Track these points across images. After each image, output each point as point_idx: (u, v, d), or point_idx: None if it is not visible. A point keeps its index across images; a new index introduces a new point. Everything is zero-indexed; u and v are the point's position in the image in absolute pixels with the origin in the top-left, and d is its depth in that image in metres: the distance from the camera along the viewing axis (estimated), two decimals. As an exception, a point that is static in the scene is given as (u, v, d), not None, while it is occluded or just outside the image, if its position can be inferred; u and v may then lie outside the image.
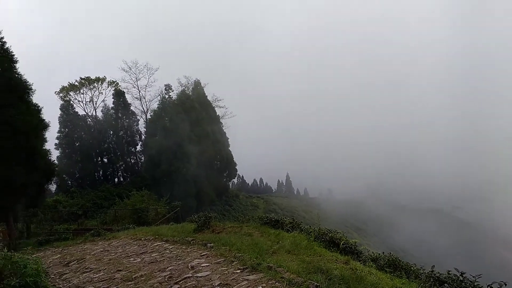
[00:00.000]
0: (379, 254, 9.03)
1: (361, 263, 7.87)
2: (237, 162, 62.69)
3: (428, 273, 6.57)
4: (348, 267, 6.70)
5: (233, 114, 68.44)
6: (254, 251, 7.46)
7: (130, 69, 58.04)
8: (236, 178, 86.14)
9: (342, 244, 8.84)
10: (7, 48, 20.77)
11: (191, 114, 47.97)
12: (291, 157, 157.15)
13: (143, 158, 55.77)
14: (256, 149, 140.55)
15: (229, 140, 62.33)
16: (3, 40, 20.76)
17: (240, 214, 50.21)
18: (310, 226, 10.93)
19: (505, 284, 5.19)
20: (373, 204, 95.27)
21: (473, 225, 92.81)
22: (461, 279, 5.80)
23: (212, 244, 8.80)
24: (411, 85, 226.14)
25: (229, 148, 61.66)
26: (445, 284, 5.85)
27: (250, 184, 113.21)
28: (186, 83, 60.23)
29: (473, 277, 5.75)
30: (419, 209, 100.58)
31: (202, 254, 8.06)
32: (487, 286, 5.41)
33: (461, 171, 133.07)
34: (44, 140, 22.90)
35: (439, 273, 6.28)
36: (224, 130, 63.06)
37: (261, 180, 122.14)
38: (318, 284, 4.93)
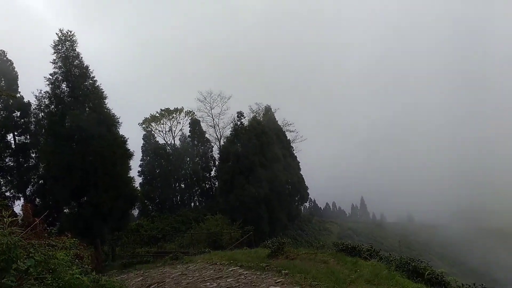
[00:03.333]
0: (469, 285, 8.20)
1: (449, 296, 7.05)
2: (309, 186, 61.82)
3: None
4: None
5: (303, 138, 68.60)
6: (331, 280, 7.20)
7: (205, 99, 61.47)
8: (308, 202, 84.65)
9: (427, 274, 8.10)
10: (98, 86, 23.28)
11: (262, 139, 48.67)
12: (366, 180, 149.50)
13: (217, 183, 57.67)
14: (329, 173, 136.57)
15: (300, 163, 62.05)
16: (95, 79, 23.36)
17: (313, 239, 48.82)
18: (390, 254, 10.32)
19: None
20: (461, 229, 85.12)
21: None
22: None
23: (286, 271, 8.63)
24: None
25: (300, 172, 61.14)
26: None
27: (322, 208, 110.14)
28: (257, 109, 62.16)
29: None
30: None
31: (277, 281, 7.93)
32: None
33: None
34: (128, 168, 24.79)
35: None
36: (295, 154, 63.08)
37: (333, 204, 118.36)
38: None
